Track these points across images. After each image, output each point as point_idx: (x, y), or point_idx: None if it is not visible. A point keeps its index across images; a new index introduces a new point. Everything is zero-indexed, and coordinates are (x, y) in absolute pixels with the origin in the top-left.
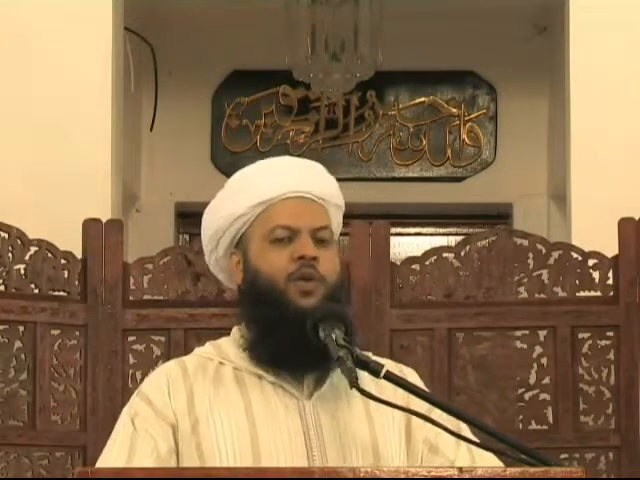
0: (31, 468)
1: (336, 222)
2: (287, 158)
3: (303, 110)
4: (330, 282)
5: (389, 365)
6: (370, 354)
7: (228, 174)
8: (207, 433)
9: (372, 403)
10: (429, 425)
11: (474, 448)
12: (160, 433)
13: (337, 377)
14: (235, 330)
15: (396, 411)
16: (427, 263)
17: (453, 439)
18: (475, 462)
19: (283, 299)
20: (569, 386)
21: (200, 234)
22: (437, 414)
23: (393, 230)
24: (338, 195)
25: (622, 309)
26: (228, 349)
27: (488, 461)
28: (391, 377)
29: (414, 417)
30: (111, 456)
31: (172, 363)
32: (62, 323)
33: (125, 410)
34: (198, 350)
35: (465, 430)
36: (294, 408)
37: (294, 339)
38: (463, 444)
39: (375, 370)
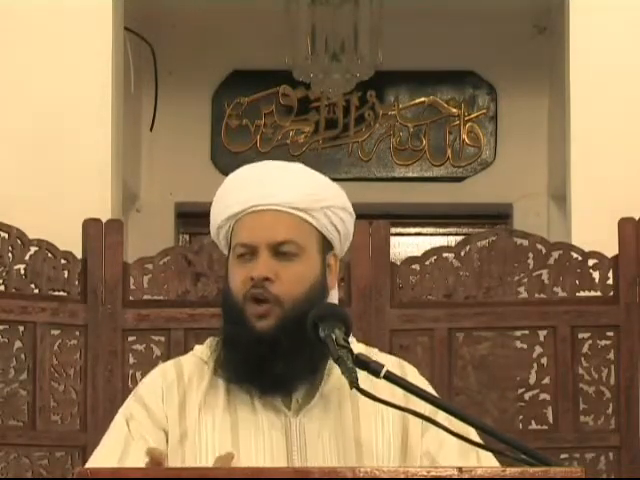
0: (31, 468)
1: (327, 224)
2: (264, 165)
3: (303, 110)
4: (289, 301)
5: (391, 362)
6: (376, 350)
7: (228, 174)
8: (192, 450)
9: (362, 405)
10: (430, 438)
11: (482, 459)
12: (153, 437)
13: (327, 387)
14: None
15: (389, 418)
16: (427, 263)
17: (456, 452)
18: None
19: (242, 318)
20: (569, 386)
21: (201, 233)
22: (442, 417)
23: (393, 230)
24: (324, 198)
25: (622, 309)
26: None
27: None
28: (391, 377)
29: (411, 429)
30: (103, 456)
31: (169, 365)
32: (62, 323)
33: (121, 411)
34: (198, 350)
35: (474, 436)
36: (280, 426)
37: (249, 359)
38: (470, 457)
39: (375, 370)
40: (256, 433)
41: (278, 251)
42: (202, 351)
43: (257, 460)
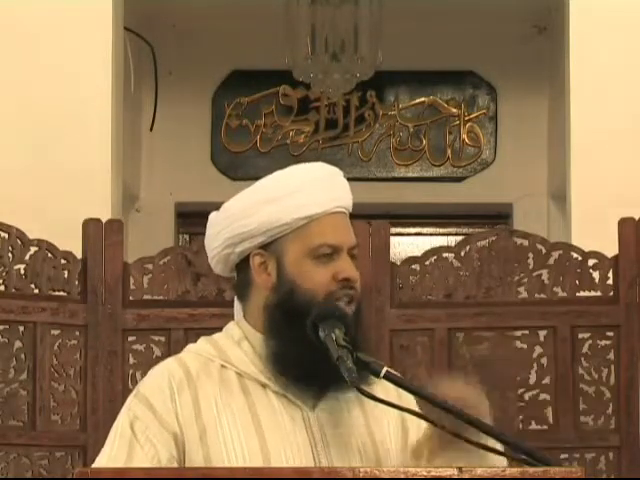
0: (31, 468)
1: None
2: (325, 168)
3: (303, 110)
4: (359, 299)
5: None
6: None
7: (228, 174)
8: (216, 444)
9: (369, 408)
10: (421, 426)
11: None
12: (161, 440)
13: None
14: (233, 326)
15: (391, 413)
16: (427, 263)
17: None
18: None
19: None
20: (569, 386)
21: (201, 233)
22: None
23: (393, 230)
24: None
25: (622, 309)
26: (228, 350)
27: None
28: (391, 377)
29: (408, 418)
30: (108, 460)
31: (173, 363)
32: (62, 323)
33: (123, 411)
34: (194, 347)
35: None
36: (299, 419)
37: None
38: None
39: (375, 370)
40: (279, 428)
41: (352, 254)
42: (203, 349)
43: (286, 455)
